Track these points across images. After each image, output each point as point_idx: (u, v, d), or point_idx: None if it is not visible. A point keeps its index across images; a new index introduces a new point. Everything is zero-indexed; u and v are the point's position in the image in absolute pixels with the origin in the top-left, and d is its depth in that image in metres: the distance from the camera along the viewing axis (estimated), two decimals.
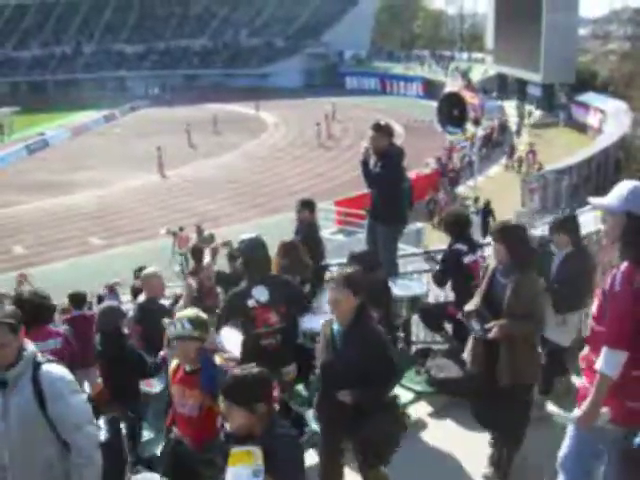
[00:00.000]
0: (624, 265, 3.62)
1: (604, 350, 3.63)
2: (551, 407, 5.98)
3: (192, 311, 4.79)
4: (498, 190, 28.48)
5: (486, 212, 24.30)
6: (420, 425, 6.19)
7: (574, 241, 6.18)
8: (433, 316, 7.19)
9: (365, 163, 7.79)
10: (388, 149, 7.71)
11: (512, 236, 5.07)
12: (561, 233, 6.22)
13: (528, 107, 45.71)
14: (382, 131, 7.69)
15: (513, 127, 42.47)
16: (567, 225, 6.25)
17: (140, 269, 11.27)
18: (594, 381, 3.71)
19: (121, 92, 72.93)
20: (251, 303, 5.51)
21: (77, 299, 9.30)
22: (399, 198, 7.96)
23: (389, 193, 7.75)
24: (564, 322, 6.06)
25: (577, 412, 3.81)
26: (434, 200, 25.64)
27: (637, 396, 3.67)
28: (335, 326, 4.58)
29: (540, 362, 5.36)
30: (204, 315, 4.76)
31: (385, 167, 7.63)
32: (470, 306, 5.17)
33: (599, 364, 3.65)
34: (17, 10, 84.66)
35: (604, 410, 3.69)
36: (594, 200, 3.93)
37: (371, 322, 4.59)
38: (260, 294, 5.53)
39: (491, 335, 4.89)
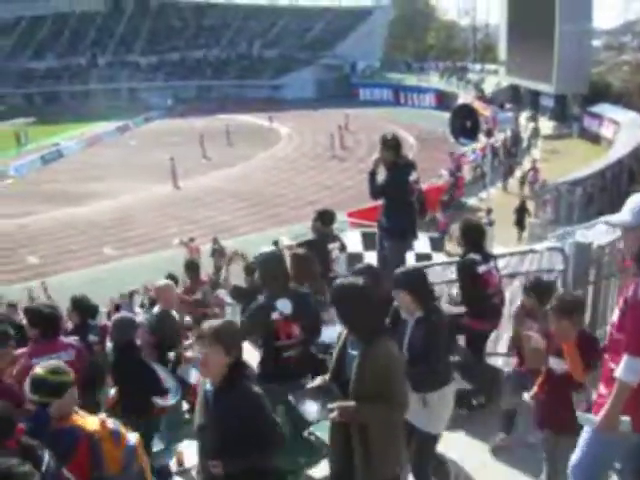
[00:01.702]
0: None
1: (625, 358, 3.68)
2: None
3: (45, 369, 4.18)
4: (510, 202, 28.38)
5: (522, 212, 24.18)
6: None
7: (422, 303, 4.91)
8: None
9: (373, 174, 7.81)
10: (396, 162, 7.73)
11: (340, 300, 4.28)
12: (403, 292, 4.98)
13: (533, 124, 44.91)
14: (388, 144, 7.70)
15: (524, 143, 41.77)
16: (410, 282, 4.97)
17: (171, 276, 11.30)
18: (613, 388, 3.75)
19: (135, 103, 73.26)
20: (275, 316, 5.46)
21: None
22: (405, 212, 7.94)
23: (394, 206, 7.77)
24: (425, 403, 4.84)
25: (598, 417, 3.83)
26: (435, 220, 24.20)
27: None
28: (207, 385, 4.03)
29: (403, 451, 4.44)
30: (60, 374, 4.18)
31: (389, 180, 7.66)
32: (317, 381, 4.47)
33: (619, 371, 3.70)
34: (33, 22, 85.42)
35: (626, 418, 3.72)
36: (611, 219, 3.99)
37: (247, 383, 3.96)
38: (284, 307, 5.49)
39: (330, 417, 4.15)
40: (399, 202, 7.81)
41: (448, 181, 29.75)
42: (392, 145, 7.71)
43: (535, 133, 42.15)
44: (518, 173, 33.47)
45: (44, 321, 5.87)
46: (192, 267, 10.33)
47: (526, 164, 34.48)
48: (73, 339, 6.53)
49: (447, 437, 6.09)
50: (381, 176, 7.83)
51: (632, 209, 3.80)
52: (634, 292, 3.69)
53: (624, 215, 3.84)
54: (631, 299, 3.71)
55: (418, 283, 4.98)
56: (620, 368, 3.68)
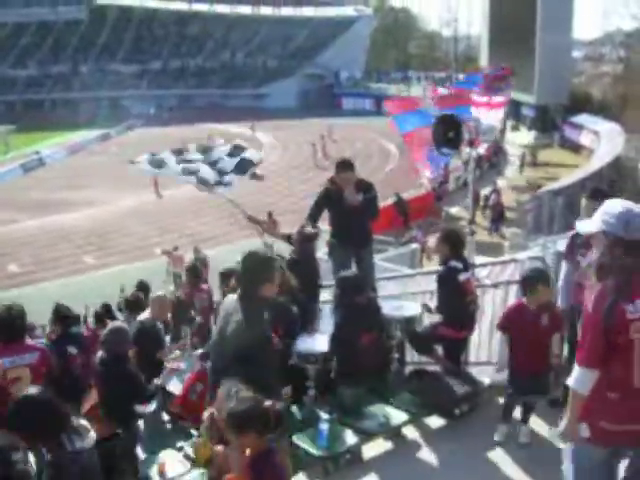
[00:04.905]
0: (598, 285, 3.65)
1: (575, 367, 3.70)
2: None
3: None
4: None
5: None
6: (414, 446, 6.14)
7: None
8: (423, 339, 6.94)
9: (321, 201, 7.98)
10: (360, 181, 7.88)
11: (15, 415, 3.64)
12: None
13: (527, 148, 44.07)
14: (349, 165, 7.79)
15: (516, 162, 40.71)
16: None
17: (141, 284, 11.34)
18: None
19: (117, 111, 72.94)
20: None
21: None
22: (368, 224, 8.17)
23: (365, 221, 7.97)
24: None
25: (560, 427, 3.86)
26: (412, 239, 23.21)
27: (613, 417, 3.68)
28: None
29: None
30: None
31: (371, 199, 7.80)
32: None
33: (570, 380, 3.72)
34: (15, 29, 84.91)
35: (582, 424, 3.72)
36: (579, 226, 4.01)
37: None
38: None
39: None
40: (371, 217, 8.02)
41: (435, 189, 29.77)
42: (351, 165, 7.82)
43: (532, 155, 41.13)
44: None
45: (8, 325, 5.72)
46: (192, 271, 10.36)
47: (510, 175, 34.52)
48: (39, 342, 6.45)
49: (430, 448, 6.13)
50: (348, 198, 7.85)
51: (596, 217, 3.77)
52: (586, 303, 3.68)
53: (590, 223, 3.81)
54: (583, 310, 3.71)
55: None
56: (571, 377, 3.72)
